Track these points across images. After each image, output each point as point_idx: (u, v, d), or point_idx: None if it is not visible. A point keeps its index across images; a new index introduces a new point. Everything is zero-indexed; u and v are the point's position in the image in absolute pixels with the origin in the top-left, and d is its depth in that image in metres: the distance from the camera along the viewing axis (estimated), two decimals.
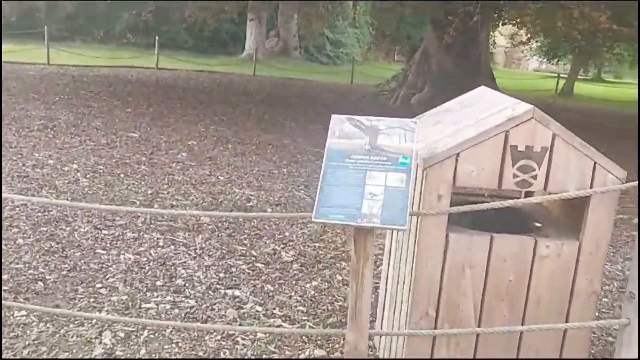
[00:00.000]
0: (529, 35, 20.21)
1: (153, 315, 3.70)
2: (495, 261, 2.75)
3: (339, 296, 4.20)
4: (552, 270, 2.77)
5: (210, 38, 27.56)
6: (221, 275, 4.35)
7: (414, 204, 2.81)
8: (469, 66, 15.63)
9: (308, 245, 5.11)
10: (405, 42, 27.78)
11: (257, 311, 3.87)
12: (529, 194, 3.18)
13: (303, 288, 4.27)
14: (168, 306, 3.82)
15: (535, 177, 2.68)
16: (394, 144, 2.57)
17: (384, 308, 3.37)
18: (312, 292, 4.21)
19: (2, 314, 3.47)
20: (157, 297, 3.93)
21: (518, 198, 3.02)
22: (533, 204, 3.13)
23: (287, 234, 5.36)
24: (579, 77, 29.77)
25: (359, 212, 2.43)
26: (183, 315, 3.73)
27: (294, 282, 4.36)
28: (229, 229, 5.33)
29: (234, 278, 4.32)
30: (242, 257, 4.70)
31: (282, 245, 5.05)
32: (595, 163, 2.67)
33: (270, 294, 4.14)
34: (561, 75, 27.98)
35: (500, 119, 2.68)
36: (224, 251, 4.77)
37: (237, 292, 4.10)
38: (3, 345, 3.20)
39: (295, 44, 31.17)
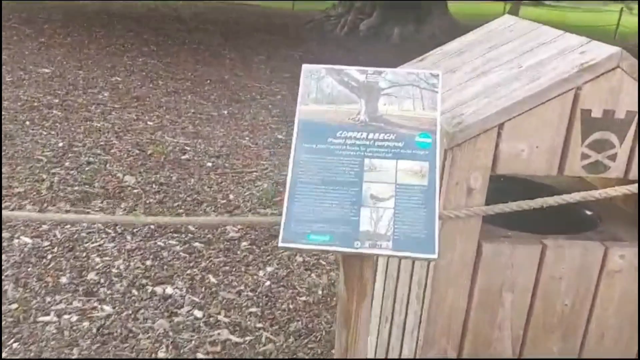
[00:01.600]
0: None
1: (53, 335, 2.70)
2: (546, 279, 1.86)
3: (301, 287, 3.28)
4: (625, 289, 1.91)
5: None
6: (148, 263, 3.36)
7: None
8: None
9: (259, 213, 4.15)
10: None
11: (197, 318, 2.92)
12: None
13: (255, 278, 3.32)
14: (75, 317, 2.83)
15: (614, 158, 1.76)
16: (406, 112, 1.60)
17: (376, 344, 2.42)
18: (267, 283, 3.28)
19: None
20: (59, 302, 2.92)
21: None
22: (582, 185, 2.24)
23: (231, 197, 4.37)
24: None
25: (355, 229, 1.49)
26: (95, 331, 2.75)
27: (243, 268, 3.41)
28: (160, 192, 4.30)
29: (165, 267, 3.34)
30: (176, 235, 3.70)
31: (226, 214, 4.06)
32: None
33: (213, 289, 3.18)
34: None
35: (566, 68, 1.72)
36: (153, 227, 3.76)
37: (169, 290, 3.13)
38: None
39: None
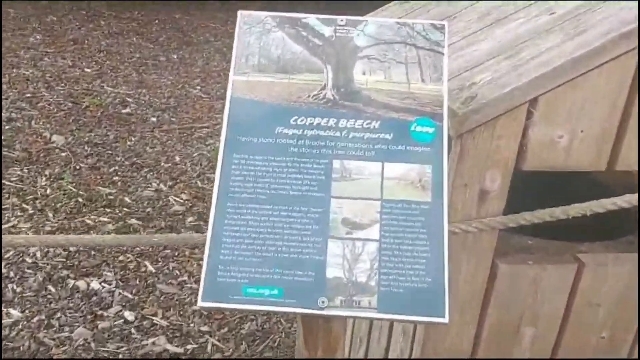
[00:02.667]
0: None
1: None
2: (581, 308, 1.37)
3: None
4: None
5: None
6: (72, 248, 2.78)
7: None
8: None
9: (207, 178, 3.58)
10: None
11: (127, 322, 2.38)
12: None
13: (202, 264, 2.78)
14: None
15: None
16: (397, 85, 1.05)
17: None
18: None
19: None
20: None
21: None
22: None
23: (177, 159, 3.78)
24: None
25: (320, 277, 0.94)
26: None
27: (187, 252, 2.87)
28: (93, 155, 3.69)
29: (92, 253, 2.77)
30: (109, 210, 3.12)
31: (170, 182, 3.49)
32: None
33: (150, 280, 2.64)
34: None
35: (626, 17, 1.17)
36: (81, 201, 3.17)
37: (94, 284, 2.58)
38: None
39: None
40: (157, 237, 1.32)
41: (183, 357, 2.25)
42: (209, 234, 0.97)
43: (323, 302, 0.93)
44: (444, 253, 0.94)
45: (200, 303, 0.94)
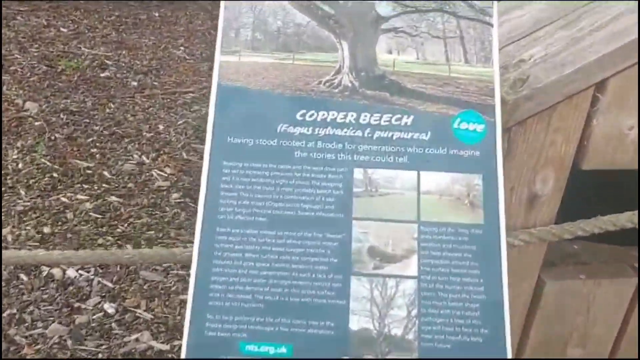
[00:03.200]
0: None
1: None
2: (637, 325, 1.15)
3: None
4: None
5: None
6: (46, 230, 2.55)
7: None
8: None
9: (193, 149, 3.33)
10: None
11: (107, 316, 2.17)
12: None
13: (189, 247, 2.55)
14: None
15: None
16: (433, 66, 0.80)
17: None
18: None
19: None
20: None
21: None
22: None
23: (161, 128, 3.52)
24: None
25: (341, 327, 0.70)
26: None
27: (172, 232, 2.64)
28: (69, 125, 3.42)
29: (69, 235, 2.54)
30: (87, 187, 2.87)
31: (152, 153, 3.23)
32: None
33: (131, 267, 2.41)
34: None
35: None
36: (56, 176, 2.91)
37: (70, 271, 2.35)
38: None
39: None
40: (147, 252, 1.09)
41: (170, 356, 2.04)
42: (193, 268, 0.73)
43: (348, 355, 0.70)
44: (503, 293, 0.71)
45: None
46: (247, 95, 0.78)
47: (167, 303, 2.26)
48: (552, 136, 0.94)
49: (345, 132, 0.77)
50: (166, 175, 3.03)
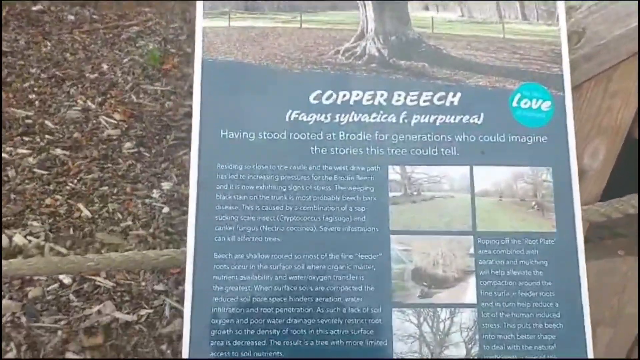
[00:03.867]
0: None
1: None
2: None
3: None
4: None
5: None
6: None
7: None
8: None
9: (143, 91, 3.07)
10: None
11: (64, 286, 1.98)
12: None
13: (147, 203, 2.36)
14: None
15: None
16: (483, 26, 0.61)
17: None
18: (166, 210, 2.34)
19: None
20: None
21: None
22: None
23: (105, 67, 3.23)
24: None
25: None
26: None
27: (128, 187, 2.43)
28: (2, 67, 3.10)
29: (12, 197, 2.31)
30: (28, 139, 2.62)
31: (98, 97, 2.96)
32: None
33: (87, 228, 2.22)
34: None
35: None
36: None
37: (18, 237, 2.14)
38: None
39: None
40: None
41: (137, 326, 1.88)
42: (186, 311, 0.56)
43: None
44: (584, 321, 0.57)
45: None
46: (242, 73, 0.59)
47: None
48: (609, 101, 0.77)
49: (375, 119, 0.59)
50: (116, 122, 2.78)
